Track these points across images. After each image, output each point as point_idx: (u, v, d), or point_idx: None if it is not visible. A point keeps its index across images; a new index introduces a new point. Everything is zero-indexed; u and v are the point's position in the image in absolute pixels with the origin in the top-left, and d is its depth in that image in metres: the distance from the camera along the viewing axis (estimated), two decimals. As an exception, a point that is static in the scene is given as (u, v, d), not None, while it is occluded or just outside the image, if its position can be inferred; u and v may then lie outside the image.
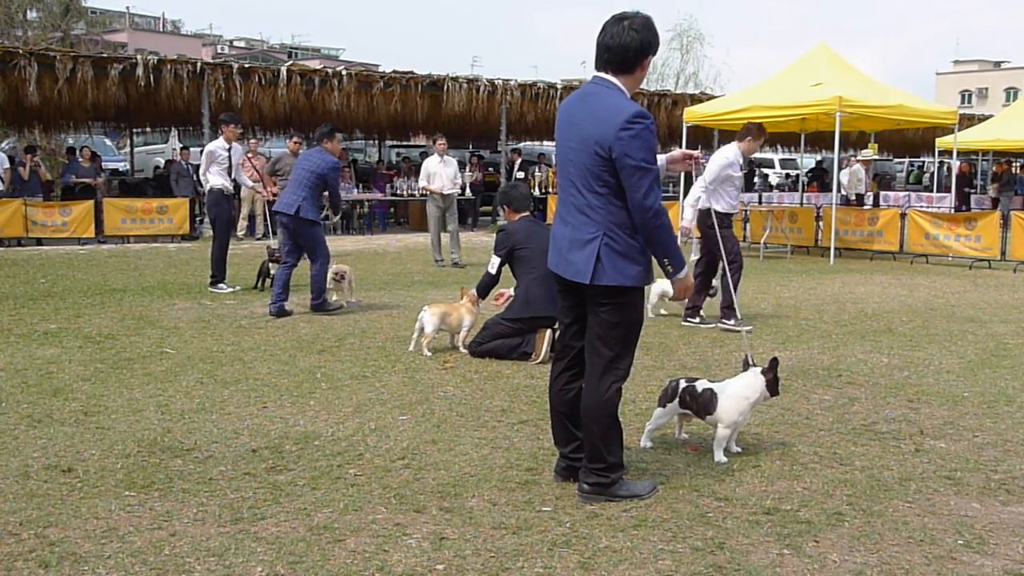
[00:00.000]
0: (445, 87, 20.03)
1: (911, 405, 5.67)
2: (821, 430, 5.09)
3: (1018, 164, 29.00)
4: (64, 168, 19.43)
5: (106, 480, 4.18)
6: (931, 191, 25.87)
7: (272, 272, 10.26)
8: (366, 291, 10.53)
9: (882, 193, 23.97)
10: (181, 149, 20.44)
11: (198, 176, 12.33)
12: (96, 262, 13.42)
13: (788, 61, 17.24)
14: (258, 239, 16.60)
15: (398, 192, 20.34)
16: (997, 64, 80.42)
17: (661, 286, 8.18)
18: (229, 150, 10.47)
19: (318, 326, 8.18)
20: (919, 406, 5.65)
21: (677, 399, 4.65)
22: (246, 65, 19.23)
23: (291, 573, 3.27)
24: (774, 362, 4.62)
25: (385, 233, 20.00)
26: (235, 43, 73.18)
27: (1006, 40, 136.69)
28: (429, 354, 6.94)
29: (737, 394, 4.55)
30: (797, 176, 27.65)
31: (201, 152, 12.29)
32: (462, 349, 7.08)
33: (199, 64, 18.07)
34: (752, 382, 4.56)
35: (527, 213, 7.30)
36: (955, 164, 20.34)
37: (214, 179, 10.32)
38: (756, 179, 30.64)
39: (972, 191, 26.23)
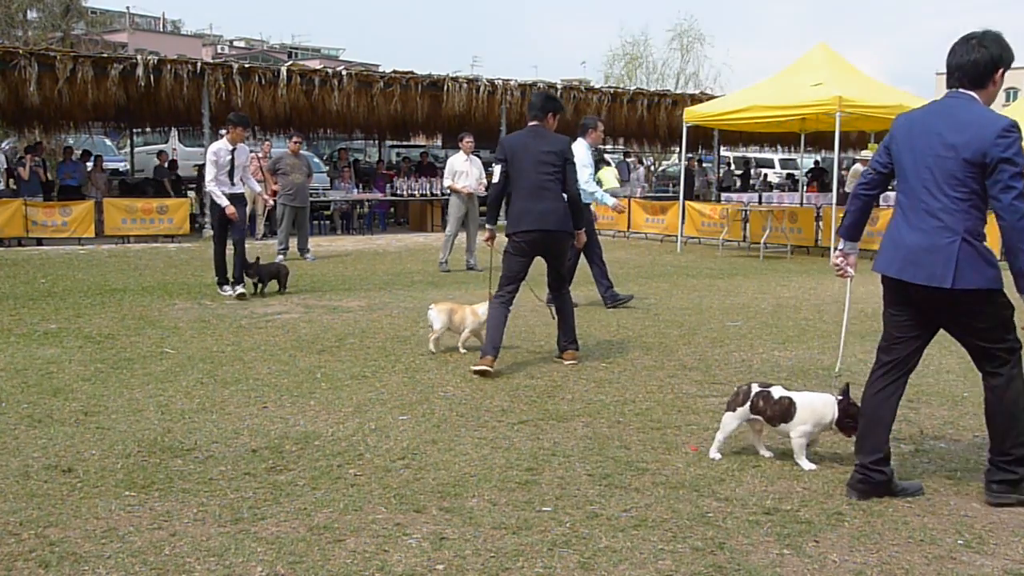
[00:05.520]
0: (445, 87, 20.03)
1: (911, 405, 5.66)
2: (821, 430, 5.09)
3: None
4: (66, 168, 19.37)
5: (106, 480, 4.18)
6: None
7: (257, 279, 10.02)
8: (366, 291, 10.53)
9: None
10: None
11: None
12: (96, 262, 13.42)
13: (788, 61, 17.25)
14: (258, 239, 16.59)
15: (398, 192, 20.34)
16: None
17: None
18: (233, 151, 9.95)
19: (318, 326, 8.18)
20: (919, 406, 5.65)
21: (748, 404, 4.53)
22: (246, 65, 19.20)
23: (291, 573, 3.27)
24: (845, 390, 4.51)
25: (385, 233, 19.99)
26: (235, 43, 73.23)
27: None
28: (434, 350, 6.98)
29: (815, 407, 4.46)
30: (797, 176, 27.66)
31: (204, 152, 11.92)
32: (462, 350, 7.08)
33: (199, 64, 18.06)
34: (831, 401, 4.47)
35: (535, 123, 6.79)
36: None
37: (213, 186, 9.79)
38: (753, 180, 30.70)
39: None
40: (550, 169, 6.60)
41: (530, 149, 6.66)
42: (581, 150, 9.22)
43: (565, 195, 6.65)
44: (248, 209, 17.38)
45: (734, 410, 4.56)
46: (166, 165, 20.97)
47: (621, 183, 23.31)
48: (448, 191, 13.43)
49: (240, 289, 9.88)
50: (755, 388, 4.56)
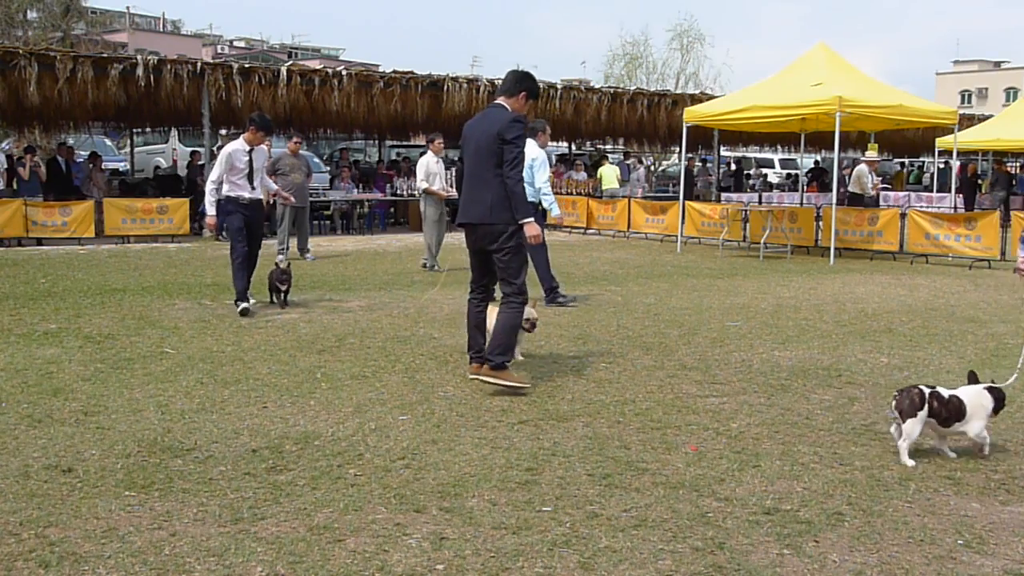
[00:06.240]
0: (445, 87, 20.04)
1: (911, 405, 5.66)
2: (821, 430, 5.09)
3: (1017, 164, 28.98)
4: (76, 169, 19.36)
5: (106, 480, 4.18)
6: (931, 191, 25.90)
7: (281, 288, 9.39)
8: (366, 291, 10.53)
9: (882, 193, 24.03)
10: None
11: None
12: (96, 262, 13.42)
13: (788, 61, 17.24)
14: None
15: (398, 192, 20.34)
16: (997, 64, 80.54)
17: None
18: (250, 153, 9.11)
19: (318, 326, 8.18)
20: (919, 406, 5.64)
21: (927, 407, 4.52)
22: (246, 65, 19.20)
23: (291, 573, 3.27)
24: (973, 376, 4.71)
25: (385, 233, 19.99)
26: (235, 43, 73.14)
27: (1006, 40, 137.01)
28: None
29: (981, 401, 4.58)
30: (796, 176, 27.65)
31: (216, 153, 11.44)
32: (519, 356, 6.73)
33: (199, 64, 18.06)
34: (984, 392, 4.61)
35: (499, 99, 6.23)
36: (955, 164, 20.40)
37: (229, 189, 9.05)
38: (753, 180, 30.66)
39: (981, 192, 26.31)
40: (485, 154, 5.99)
41: (472, 135, 6.16)
42: (535, 150, 9.16)
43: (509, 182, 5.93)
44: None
45: (915, 415, 4.50)
46: (199, 164, 21.03)
47: (621, 183, 23.34)
48: (418, 193, 13.37)
49: (248, 303, 9.14)
50: (926, 390, 4.56)
